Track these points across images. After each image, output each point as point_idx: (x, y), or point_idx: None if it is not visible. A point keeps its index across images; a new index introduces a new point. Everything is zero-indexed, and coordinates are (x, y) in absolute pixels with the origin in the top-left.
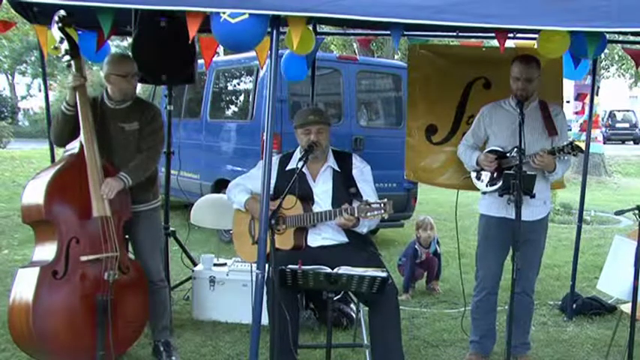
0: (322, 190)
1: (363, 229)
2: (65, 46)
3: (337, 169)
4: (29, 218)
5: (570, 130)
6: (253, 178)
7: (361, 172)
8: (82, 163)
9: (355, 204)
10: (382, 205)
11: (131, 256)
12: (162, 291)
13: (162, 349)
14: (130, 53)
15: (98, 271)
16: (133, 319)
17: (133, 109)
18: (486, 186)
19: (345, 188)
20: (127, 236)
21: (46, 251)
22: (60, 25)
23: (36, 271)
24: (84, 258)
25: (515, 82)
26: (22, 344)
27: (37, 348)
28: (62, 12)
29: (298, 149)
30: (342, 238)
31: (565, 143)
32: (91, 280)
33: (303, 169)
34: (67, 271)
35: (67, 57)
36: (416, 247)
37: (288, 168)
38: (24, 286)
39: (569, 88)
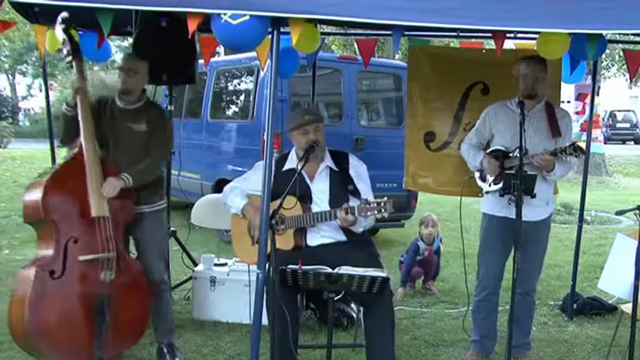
0: (320, 189)
1: (359, 228)
2: (67, 47)
3: (335, 168)
4: (29, 217)
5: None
6: (249, 181)
7: (358, 171)
8: (80, 163)
9: (353, 202)
10: (382, 204)
11: (133, 256)
12: (165, 293)
13: (165, 350)
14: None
15: (96, 271)
16: (131, 320)
17: (143, 110)
18: (489, 185)
19: (342, 186)
20: (129, 237)
21: (45, 250)
22: (63, 26)
23: (33, 269)
24: (82, 258)
25: (524, 80)
26: (19, 341)
27: (33, 345)
28: (65, 13)
29: (293, 150)
30: (341, 237)
31: (567, 144)
32: (88, 279)
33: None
34: (65, 270)
35: (69, 58)
36: (418, 243)
37: (284, 169)
38: (22, 284)
39: (569, 88)
